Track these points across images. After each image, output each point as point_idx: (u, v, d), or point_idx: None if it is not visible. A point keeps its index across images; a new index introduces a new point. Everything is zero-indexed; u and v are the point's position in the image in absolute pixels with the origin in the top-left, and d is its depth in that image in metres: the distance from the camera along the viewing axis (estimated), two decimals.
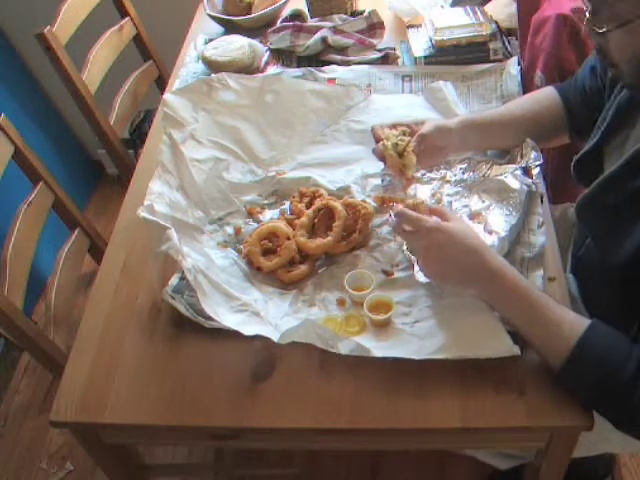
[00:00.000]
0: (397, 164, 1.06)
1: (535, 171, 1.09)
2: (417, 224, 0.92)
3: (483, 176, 1.13)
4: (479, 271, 0.89)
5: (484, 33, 1.38)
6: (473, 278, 0.90)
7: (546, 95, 1.16)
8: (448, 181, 1.15)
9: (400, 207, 0.94)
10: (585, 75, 1.11)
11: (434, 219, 0.92)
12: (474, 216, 1.07)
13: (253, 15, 1.55)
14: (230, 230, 1.14)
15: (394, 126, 1.13)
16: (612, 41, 0.81)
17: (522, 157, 1.11)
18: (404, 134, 1.10)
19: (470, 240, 0.90)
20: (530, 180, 1.07)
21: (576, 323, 0.84)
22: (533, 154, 1.09)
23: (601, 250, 0.94)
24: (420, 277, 1.00)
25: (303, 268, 1.05)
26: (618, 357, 0.80)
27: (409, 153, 1.05)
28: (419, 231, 0.92)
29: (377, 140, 1.12)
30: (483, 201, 1.10)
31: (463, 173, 1.15)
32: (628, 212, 0.85)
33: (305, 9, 1.56)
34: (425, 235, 0.91)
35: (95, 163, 2.49)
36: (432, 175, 1.16)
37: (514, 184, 1.08)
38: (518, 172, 1.09)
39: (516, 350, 0.86)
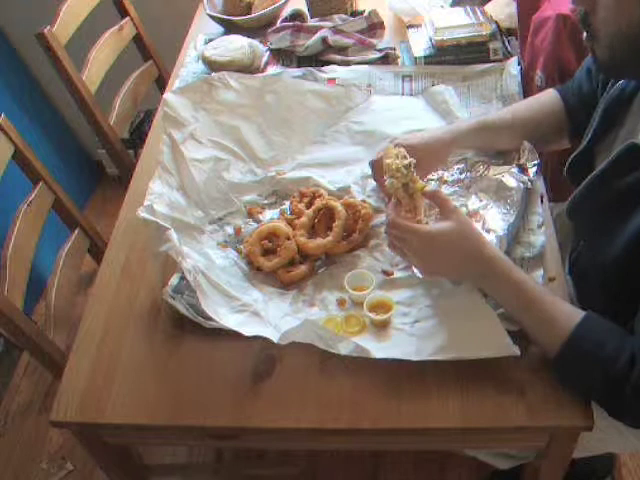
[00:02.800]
0: (408, 204, 0.97)
1: (532, 169, 1.09)
2: (409, 234, 0.91)
3: (480, 176, 1.13)
4: (474, 267, 0.90)
5: (484, 33, 1.38)
6: (470, 275, 0.93)
7: (549, 98, 1.16)
8: (445, 181, 1.15)
9: (392, 217, 0.93)
10: (582, 77, 1.11)
11: (425, 228, 0.91)
12: (472, 215, 1.07)
13: (253, 15, 1.55)
14: (230, 230, 1.14)
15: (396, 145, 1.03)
16: (599, 10, 0.80)
17: (519, 158, 1.11)
18: (408, 167, 0.96)
19: (465, 242, 0.90)
20: (527, 177, 1.08)
21: (571, 315, 0.84)
22: (530, 155, 1.10)
23: (592, 250, 0.95)
24: (418, 273, 1.00)
25: (303, 268, 1.05)
26: (611, 349, 0.80)
27: (418, 195, 0.96)
28: (410, 241, 0.91)
29: (377, 171, 1.09)
30: (480, 200, 1.10)
31: (460, 173, 1.15)
32: (617, 211, 0.85)
33: (305, 9, 1.56)
34: (416, 246, 0.91)
35: (95, 163, 2.49)
36: (429, 176, 1.16)
37: (511, 182, 1.08)
38: (514, 170, 1.09)
39: (516, 350, 0.86)
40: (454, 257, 0.91)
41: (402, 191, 0.94)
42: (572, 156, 1.02)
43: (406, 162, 0.94)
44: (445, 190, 1.13)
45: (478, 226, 1.04)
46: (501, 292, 0.90)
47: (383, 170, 0.97)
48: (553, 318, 0.85)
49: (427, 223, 0.94)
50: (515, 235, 1.03)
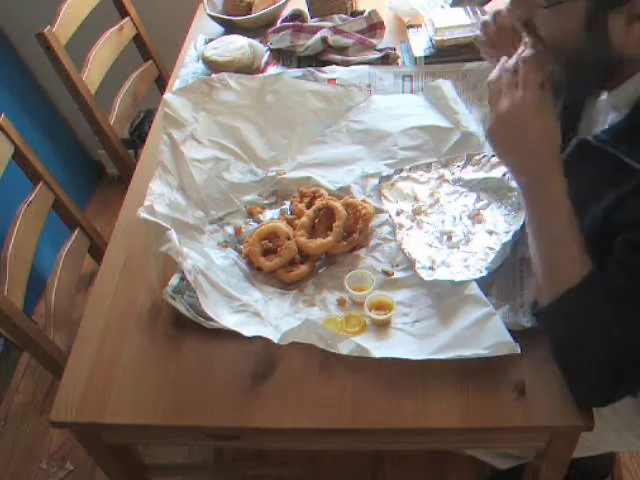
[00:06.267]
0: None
1: None
2: (526, 76, 0.85)
3: (482, 172, 1.13)
4: (538, 164, 0.85)
5: None
6: (525, 171, 0.87)
7: None
8: (446, 180, 1.15)
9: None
10: None
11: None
12: (473, 216, 1.07)
13: (253, 15, 1.55)
14: (230, 230, 1.14)
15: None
16: (538, 21, 0.80)
17: None
18: None
19: (551, 141, 0.85)
20: None
21: (585, 262, 0.82)
22: None
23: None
24: (423, 275, 1.00)
25: (303, 268, 1.05)
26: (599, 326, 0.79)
27: None
28: (516, 91, 0.85)
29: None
30: (481, 199, 1.10)
31: (461, 170, 1.15)
32: (582, 204, 0.84)
33: (305, 9, 1.56)
34: (518, 97, 0.85)
35: (95, 163, 2.49)
36: (430, 175, 1.16)
37: (512, 183, 1.08)
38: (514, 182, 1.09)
39: (516, 349, 0.86)
40: (534, 136, 0.85)
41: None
42: None
43: None
44: (446, 189, 1.13)
45: (480, 227, 1.05)
46: (544, 208, 0.85)
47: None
48: (572, 258, 0.82)
49: None
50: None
